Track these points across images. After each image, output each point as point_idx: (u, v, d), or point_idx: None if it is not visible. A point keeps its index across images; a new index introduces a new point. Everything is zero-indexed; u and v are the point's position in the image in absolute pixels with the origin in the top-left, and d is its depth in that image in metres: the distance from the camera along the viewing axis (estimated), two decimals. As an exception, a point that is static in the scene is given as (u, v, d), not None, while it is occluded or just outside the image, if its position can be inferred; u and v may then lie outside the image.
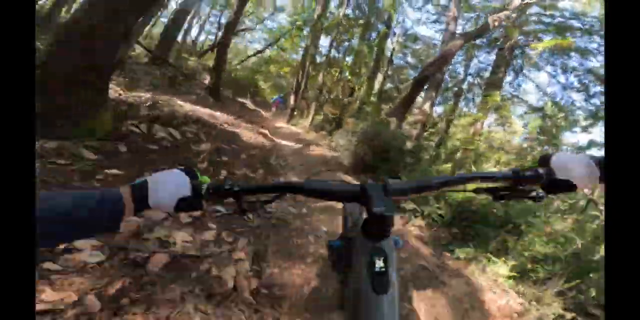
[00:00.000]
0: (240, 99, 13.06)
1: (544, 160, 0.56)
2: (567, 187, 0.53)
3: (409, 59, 14.14)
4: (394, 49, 12.43)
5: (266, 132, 6.65)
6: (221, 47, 9.23)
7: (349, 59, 12.72)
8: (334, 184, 0.60)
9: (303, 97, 12.88)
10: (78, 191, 0.52)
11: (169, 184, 0.54)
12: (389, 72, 13.08)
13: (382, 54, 11.63)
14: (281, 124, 10.98)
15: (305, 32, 14.07)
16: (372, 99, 11.27)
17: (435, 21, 11.21)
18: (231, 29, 9.15)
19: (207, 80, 9.72)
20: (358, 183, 0.59)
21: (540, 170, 0.54)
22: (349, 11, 11.62)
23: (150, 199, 0.52)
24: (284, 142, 6.76)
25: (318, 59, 13.01)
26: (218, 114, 6.11)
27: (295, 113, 12.52)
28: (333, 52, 12.40)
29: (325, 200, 0.64)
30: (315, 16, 11.23)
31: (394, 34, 12.21)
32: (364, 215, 0.55)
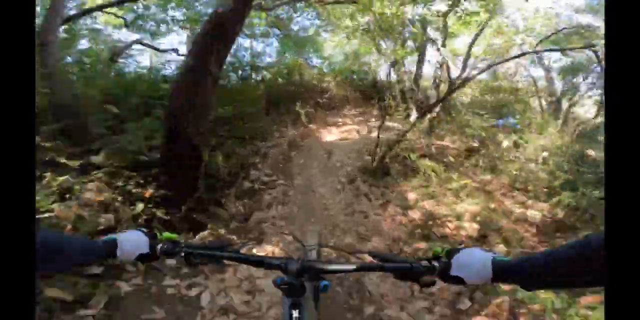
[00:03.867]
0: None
1: (449, 254, 0.64)
2: (458, 281, 0.61)
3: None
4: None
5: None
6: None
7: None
8: (262, 257, 0.78)
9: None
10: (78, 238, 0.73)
11: (131, 243, 0.71)
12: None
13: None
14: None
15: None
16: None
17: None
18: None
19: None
20: (284, 257, 0.74)
21: (436, 264, 0.64)
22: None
23: (118, 252, 0.69)
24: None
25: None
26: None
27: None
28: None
29: (256, 267, 0.79)
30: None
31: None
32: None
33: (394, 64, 7.87)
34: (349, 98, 8.70)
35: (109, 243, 0.69)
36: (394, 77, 8.43)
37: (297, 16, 8.69)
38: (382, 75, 9.20)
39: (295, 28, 9.07)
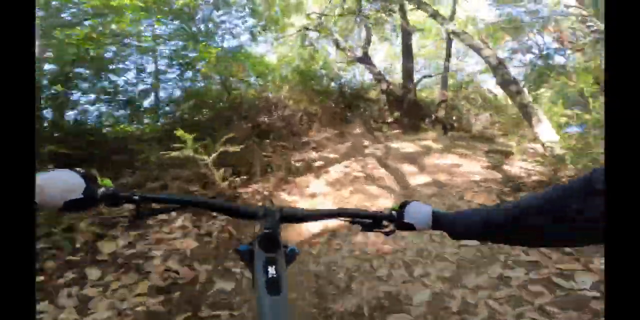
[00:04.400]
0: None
1: (402, 205, 0.74)
2: (410, 228, 0.71)
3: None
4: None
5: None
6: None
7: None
8: (235, 204, 0.71)
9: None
10: None
11: (58, 187, 0.53)
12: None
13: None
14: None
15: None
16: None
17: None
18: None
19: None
20: (262, 205, 0.70)
21: (394, 213, 0.73)
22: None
23: (37, 198, 0.50)
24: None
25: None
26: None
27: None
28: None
29: (228, 216, 0.73)
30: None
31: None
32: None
33: (363, 60, 6.66)
34: (314, 114, 5.77)
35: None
36: (367, 78, 7.19)
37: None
38: (349, 77, 7.44)
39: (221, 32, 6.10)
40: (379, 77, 6.81)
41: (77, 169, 0.57)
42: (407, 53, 6.84)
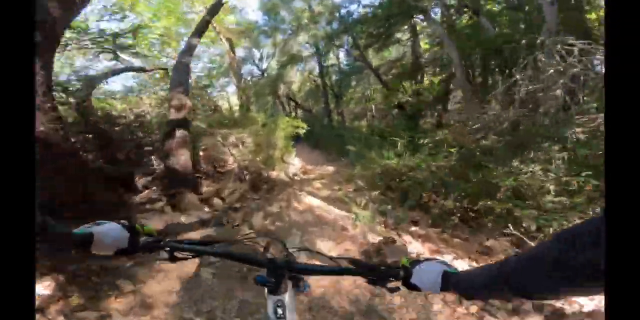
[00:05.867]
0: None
1: (412, 264, 0.72)
2: (416, 288, 0.69)
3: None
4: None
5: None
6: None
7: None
8: (250, 254, 0.79)
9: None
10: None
11: (109, 238, 0.67)
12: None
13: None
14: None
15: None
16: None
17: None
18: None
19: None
20: (270, 256, 0.77)
21: (402, 273, 0.72)
22: None
23: (92, 247, 0.65)
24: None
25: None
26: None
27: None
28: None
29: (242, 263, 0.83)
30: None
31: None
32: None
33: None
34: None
35: (83, 236, 0.64)
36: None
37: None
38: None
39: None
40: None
41: (123, 221, 0.72)
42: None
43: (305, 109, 18.19)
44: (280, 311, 0.70)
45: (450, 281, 0.66)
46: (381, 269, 0.73)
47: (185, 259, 0.77)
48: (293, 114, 16.63)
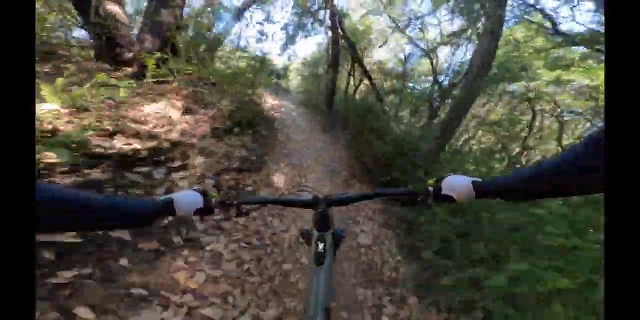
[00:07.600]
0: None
1: (439, 179, 0.78)
2: (449, 200, 0.75)
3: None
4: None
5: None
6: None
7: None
8: (297, 198, 0.92)
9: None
10: (132, 199, 0.74)
11: (187, 200, 0.78)
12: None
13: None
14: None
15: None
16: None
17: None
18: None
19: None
20: (314, 196, 0.89)
21: (430, 188, 0.78)
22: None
23: (176, 209, 0.76)
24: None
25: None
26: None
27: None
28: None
29: (293, 207, 0.96)
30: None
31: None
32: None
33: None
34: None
35: (166, 202, 0.75)
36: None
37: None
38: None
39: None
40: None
41: (196, 188, 0.84)
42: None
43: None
44: (321, 246, 0.79)
45: (482, 189, 0.70)
46: (410, 190, 0.81)
47: (249, 212, 0.89)
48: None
